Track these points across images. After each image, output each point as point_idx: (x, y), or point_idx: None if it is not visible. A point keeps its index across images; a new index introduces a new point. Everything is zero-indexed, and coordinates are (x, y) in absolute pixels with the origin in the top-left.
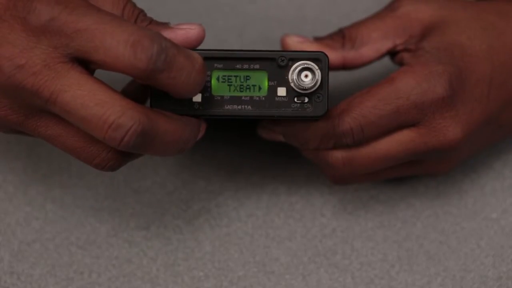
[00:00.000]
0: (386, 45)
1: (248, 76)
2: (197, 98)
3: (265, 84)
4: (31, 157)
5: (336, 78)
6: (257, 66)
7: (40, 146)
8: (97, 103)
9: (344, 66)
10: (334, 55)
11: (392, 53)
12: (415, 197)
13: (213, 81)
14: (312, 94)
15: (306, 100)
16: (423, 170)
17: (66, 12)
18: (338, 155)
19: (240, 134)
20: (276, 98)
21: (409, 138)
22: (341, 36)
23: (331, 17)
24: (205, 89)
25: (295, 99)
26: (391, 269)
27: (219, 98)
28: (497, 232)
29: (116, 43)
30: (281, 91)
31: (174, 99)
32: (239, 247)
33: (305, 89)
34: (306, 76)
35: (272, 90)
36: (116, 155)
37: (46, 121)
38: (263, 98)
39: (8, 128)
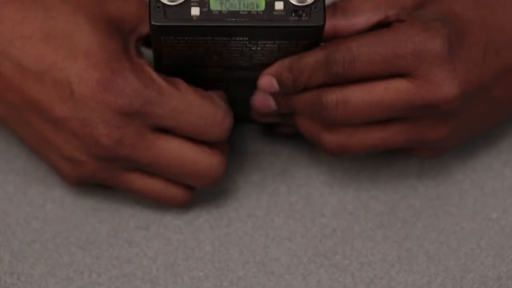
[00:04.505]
0: (377, 15)
1: None
2: (195, 11)
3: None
4: (31, 157)
5: None
6: None
7: None
8: (197, 158)
9: (335, 35)
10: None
11: (385, 25)
12: (415, 197)
13: None
14: (309, 6)
15: (304, 14)
16: (420, 135)
17: (155, 97)
18: (333, 95)
19: (240, 134)
20: (274, 12)
21: (406, 87)
22: (333, 7)
23: None
24: (203, 4)
25: (293, 14)
26: (391, 269)
27: (217, 13)
28: (497, 232)
29: (197, 121)
30: (279, 5)
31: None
32: (239, 247)
33: (303, 2)
34: None
35: (270, 5)
36: (191, 192)
37: (132, 177)
38: (261, 12)
39: (87, 182)
